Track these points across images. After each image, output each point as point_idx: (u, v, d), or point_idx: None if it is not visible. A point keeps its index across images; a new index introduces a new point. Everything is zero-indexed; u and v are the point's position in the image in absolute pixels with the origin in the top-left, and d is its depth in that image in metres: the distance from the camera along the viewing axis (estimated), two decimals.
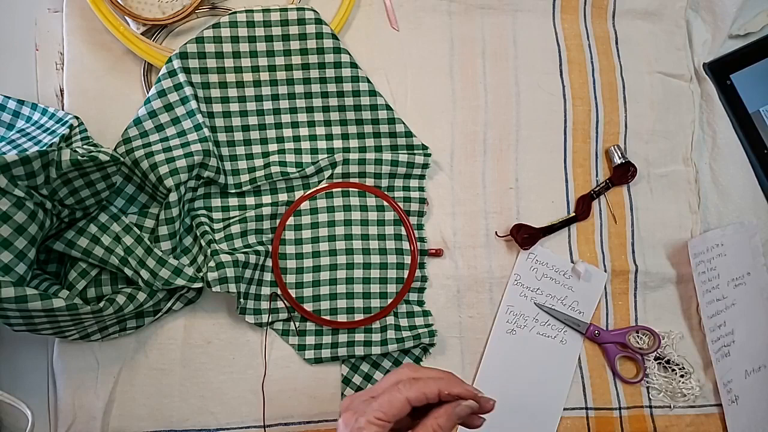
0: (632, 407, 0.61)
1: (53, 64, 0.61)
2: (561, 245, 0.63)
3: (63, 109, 0.59)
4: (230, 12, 0.57)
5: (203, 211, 0.58)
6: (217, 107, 0.59)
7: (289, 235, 0.59)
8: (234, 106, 0.59)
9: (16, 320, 0.46)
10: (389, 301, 0.59)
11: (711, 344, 0.62)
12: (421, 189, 0.62)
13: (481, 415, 0.43)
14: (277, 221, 0.59)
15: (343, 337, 0.59)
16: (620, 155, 0.64)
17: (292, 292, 0.58)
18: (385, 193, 0.61)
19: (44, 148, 0.50)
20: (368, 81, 0.60)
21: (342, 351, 0.58)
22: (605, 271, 0.63)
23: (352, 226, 0.60)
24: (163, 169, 0.53)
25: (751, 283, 0.64)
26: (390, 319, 0.59)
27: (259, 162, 0.60)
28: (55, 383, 0.56)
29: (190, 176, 0.54)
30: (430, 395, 0.40)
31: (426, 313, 0.60)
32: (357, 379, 0.58)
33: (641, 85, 0.67)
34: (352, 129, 0.61)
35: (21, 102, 0.57)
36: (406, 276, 0.60)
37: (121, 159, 0.52)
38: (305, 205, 0.60)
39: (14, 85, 0.60)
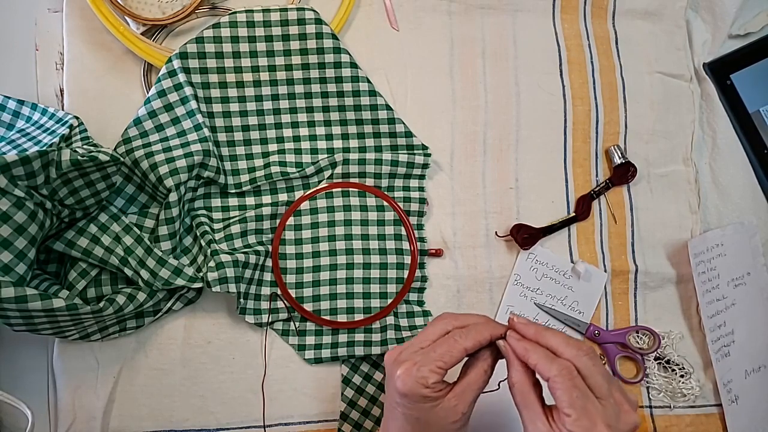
0: None
1: (53, 64, 0.61)
2: (561, 245, 0.63)
3: (63, 109, 0.59)
4: (230, 12, 0.57)
5: (203, 211, 0.58)
6: (217, 107, 0.59)
7: (289, 235, 0.59)
8: (234, 106, 0.59)
9: (16, 320, 0.46)
10: (389, 301, 0.59)
11: (711, 344, 0.62)
12: (421, 189, 0.62)
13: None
14: (277, 221, 0.59)
15: (343, 337, 0.59)
16: (620, 155, 0.64)
17: (292, 292, 0.58)
18: (385, 193, 0.61)
19: (44, 148, 0.50)
20: (368, 81, 0.60)
21: (342, 351, 0.58)
22: (605, 271, 0.63)
23: (352, 226, 0.60)
24: (163, 169, 0.53)
25: (751, 283, 0.64)
26: (390, 319, 0.59)
27: (259, 162, 0.60)
28: (55, 383, 0.56)
29: (190, 176, 0.54)
30: (483, 342, 0.43)
31: (426, 314, 0.60)
32: (357, 379, 0.58)
33: (641, 85, 0.67)
34: (352, 129, 0.61)
35: (21, 102, 0.57)
36: (406, 276, 0.60)
37: (121, 159, 0.52)
38: (305, 205, 0.60)
39: (14, 85, 0.60)
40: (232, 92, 0.59)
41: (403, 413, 0.42)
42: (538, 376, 0.41)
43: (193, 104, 0.56)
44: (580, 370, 0.39)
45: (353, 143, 0.61)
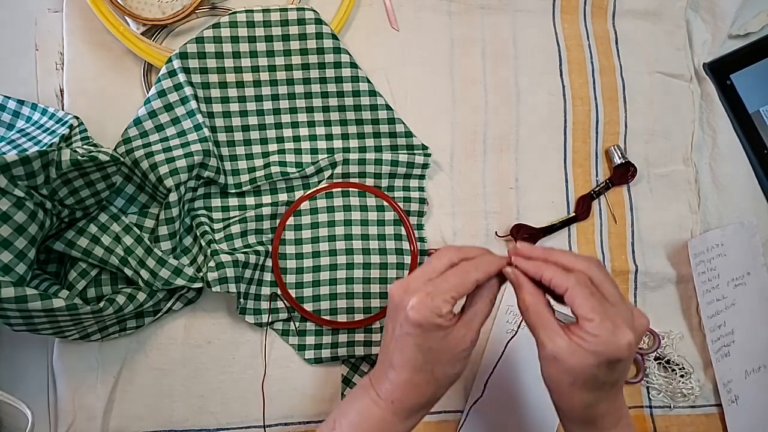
0: (632, 407, 0.61)
1: (53, 64, 0.61)
2: (561, 245, 0.63)
3: (63, 109, 0.59)
4: (230, 12, 0.57)
5: (203, 211, 0.58)
6: (217, 107, 0.59)
7: (289, 235, 0.59)
8: (234, 106, 0.59)
9: (16, 320, 0.46)
10: None
11: (711, 344, 0.62)
12: (421, 189, 0.62)
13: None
14: (277, 221, 0.59)
15: (343, 337, 0.59)
16: (620, 155, 0.64)
17: (292, 292, 0.58)
18: (385, 193, 0.61)
19: (44, 148, 0.50)
20: (368, 81, 0.60)
21: (342, 351, 0.58)
22: None
23: (352, 226, 0.60)
24: (163, 169, 0.53)
25: (751, 283, 0.64)
26: None
27: (259, 162, 0.60)
28: (55, 383, 0.56)
29: (190, 176, 0.54)
30: (492, 273, 0.44)
31: None
32: (357, 379, 0.58)
33: (641, 85, 0.67)
34: (352, 129, 0.61)
35: (21, 102, 0.57)
36: (406, 276, 0.60)
37: (121, 159, 0.52)
38: (305, 205, 0.60)
39: (14, 85, 0.60)
40: (232, 92, 0.59)
41: (416, 343, 0.42)
42: (548, 297, 0.42)
43: (193, 104, 0.56)
44: (592, 280, 0.41)
45: (353, 143, 0.61)
